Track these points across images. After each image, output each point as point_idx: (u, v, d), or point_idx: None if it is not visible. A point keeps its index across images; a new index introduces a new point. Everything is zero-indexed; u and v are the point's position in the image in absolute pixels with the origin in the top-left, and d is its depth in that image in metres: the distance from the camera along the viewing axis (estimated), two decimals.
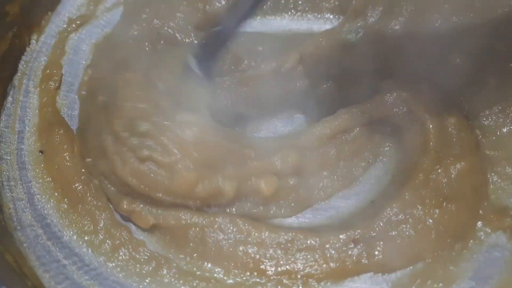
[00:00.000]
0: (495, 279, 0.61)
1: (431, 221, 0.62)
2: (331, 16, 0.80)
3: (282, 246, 0.63)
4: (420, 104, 0.68)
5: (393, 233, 0.62)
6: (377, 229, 0.63)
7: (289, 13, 0.81)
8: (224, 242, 0.63)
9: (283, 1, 0.81)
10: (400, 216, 0.63)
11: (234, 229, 0.64)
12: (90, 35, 0.79)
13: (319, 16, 0.81)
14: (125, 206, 0.64)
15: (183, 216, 0.64)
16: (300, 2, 0.81)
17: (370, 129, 0.71)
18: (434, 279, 0.61)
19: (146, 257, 0.63)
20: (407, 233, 0.62)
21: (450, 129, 0.67)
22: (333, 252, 0.62)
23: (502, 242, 0.63)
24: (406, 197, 0.64)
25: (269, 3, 0.81)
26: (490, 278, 0.61)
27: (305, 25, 0.80)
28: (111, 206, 0.67)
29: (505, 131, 0.69)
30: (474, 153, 0.67)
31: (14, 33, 0.74)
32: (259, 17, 0.81)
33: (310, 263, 0.62)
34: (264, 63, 0.74)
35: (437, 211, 0.63)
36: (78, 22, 0.79)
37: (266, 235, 0.64)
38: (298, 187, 0.68)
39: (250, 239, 0.63)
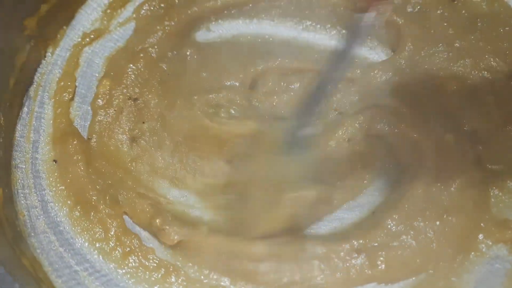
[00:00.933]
0: None
1: (432, 232, 0.64)
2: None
3: (289, 256, 0.64)
4: (410, 125, 0.70)
5: (395, 243, 0.64)
6: (378, 239, 0.64)
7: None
8: (234, 255, 0.65)
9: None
10: (400, 227, 0.64)
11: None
12: (104, 49, 0.81)
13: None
14: (158, 224, 0.65)
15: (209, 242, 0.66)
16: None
17: (375, 140, 0.73)
18: None
19: (155, 265, 0.65)
20: (408, 243, 0.64)
21: (447, 145, 0.68)
22: (338, 261, 0.63)
23: (503, 254, 0.64)
24: (406, 208, 0.65)
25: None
26: None
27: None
28: (125, 216, 0.69)
29: (506, 145, 0.71)
30: (474, 168, 0.68)
31: (31, 46, 0.76)
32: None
33: (316, 274, 0.63)
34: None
35: (437, 223, 0.64)
36: (92, 36, 0.82)
37: (272, 245, 0.65)
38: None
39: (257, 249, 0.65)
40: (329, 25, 0.83)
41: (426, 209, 0.65)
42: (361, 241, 0.64)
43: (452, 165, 0.67)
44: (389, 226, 0.65)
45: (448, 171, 0.67)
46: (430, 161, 0.68)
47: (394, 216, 0.65)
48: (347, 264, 0.63)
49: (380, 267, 0.63)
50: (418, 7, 0.80)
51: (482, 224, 0.66)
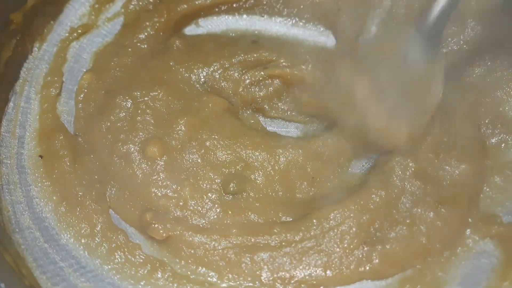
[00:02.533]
0: (482, 285, 0.62)
1: (424, 225, 0.64)
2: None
3: (279, 251, 0.64)
4: None
5: (392, 234, 0.63)
6: (377, 226, 0.64)
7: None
8: (221, 250, 0.64)
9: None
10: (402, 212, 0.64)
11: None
12: (91, 44, 0.81)
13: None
14: (148, 219, 0.65)
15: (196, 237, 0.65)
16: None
17: None
18: (423, 285, 0.62)
19: (141, 260, 0.64)
20: (402, 235, 0.63)
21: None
22: (333, 259, 0.63)
23: (490, 249, 0.64)
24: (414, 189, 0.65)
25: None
26: (478, 284, 0.62)
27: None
28: (111, 212, 0.68)
29: (493, 141, 0.71)
30: (478, 158, 0.68)
31: (17, 41, 0.75)
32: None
33: (308, 270, 0.63)
34: None
35: (431, 214, 0.64)
36: (80, 31, 0.81)
37: (262, 239, 0.64)
38: None
39: (245, 242, 0.64)
40: (317, 22, 0.83)
41: (428, 194, 0.65)
42: (363, 234, 0.63)
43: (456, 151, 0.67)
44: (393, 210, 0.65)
45: (452, 159, 0.67)
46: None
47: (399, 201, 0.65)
48: (343, 260, 0.63)
49: (374, 262, 0.63)
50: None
51: (470, 219, 0.66)
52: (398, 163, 0.67)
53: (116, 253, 0.64)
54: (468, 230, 0.65)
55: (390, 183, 0.66)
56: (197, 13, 0.84)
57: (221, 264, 0.64)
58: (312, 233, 0.64)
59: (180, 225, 0.65)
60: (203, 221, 0.67)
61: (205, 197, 0.68)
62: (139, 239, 0.67)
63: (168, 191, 0.68)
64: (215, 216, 0.67)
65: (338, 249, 0.63)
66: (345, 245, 0.63)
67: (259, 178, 0.69)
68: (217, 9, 0.84)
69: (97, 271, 0.64)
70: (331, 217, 0.64)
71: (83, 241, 0.65)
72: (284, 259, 0.64)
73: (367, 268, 0.62)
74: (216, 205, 0.67)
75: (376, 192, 0.65)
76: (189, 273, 0.64)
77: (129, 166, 0.69)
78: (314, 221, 0.64)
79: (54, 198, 0.68)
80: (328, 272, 0.63)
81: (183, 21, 0.84)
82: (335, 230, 0.64)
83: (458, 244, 0.65)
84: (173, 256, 0.65)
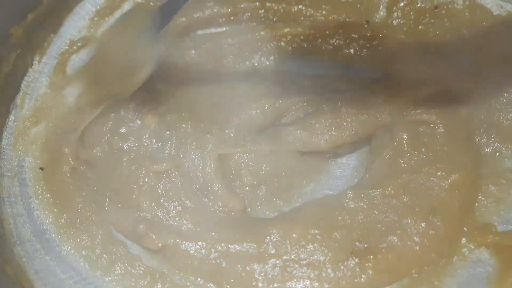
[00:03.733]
0: None
1: (417, 235, 0.64)
2: None
3: (278, 263, 0.64)
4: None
5: (383, 244, 0.64)
6: (370, 238, 0.64)
7: None
8: (219, 260, 0.65)
9: None
10: (389, 224, 0.65)
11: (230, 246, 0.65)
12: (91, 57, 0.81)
13: None
14: (141, 229, 0.66)
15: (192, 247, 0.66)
16: None
17: None
18: None
19: (141, 272, 0.65)
20: (394, 245, 0.64)
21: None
22: (330, 271, 0.63)
23: (485, 258, 0.65)
24: (398, 203, 0.66)
25: None
26: None
27: None
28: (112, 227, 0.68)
29: (488, 150, 0.71)
30: (471, 168, 0.69)
31: (18, 54, 0.76)
32: None
33: (305, 283, 0.63)
34: None
35: (423, 225, 0.65)
36: (79, 44, 0.82)
37: (262, 250, 0.65)
38: None
39: (245, 252, 0.65)
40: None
41: (416, 205, 0.66)
42: (356, 243, 0.64)
43: (449, 162, 0.68)
44: (380, 222, 0.65)
45: (443, 165, 0.67)
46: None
47: (385, 210, 0.65)
48: (339, 274, 0.63)
49: (368, 273, 0.63)
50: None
51: (465, 228, 0.67)
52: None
53: (116, 265, 0.65)
54: (464, 239, 0.66)
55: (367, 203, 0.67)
56: (195, 26, 0.85)
57: (218, 274, 0.64)
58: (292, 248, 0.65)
59: (173, 232, 0.66)
60: (194, 227, 0.67)
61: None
62: (139, 250, 0.67)
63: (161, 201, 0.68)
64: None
65: (326, 262, 0.64)
66: (332, 258, 0.64)
67: None
68: (215, 22, 0.85)
69: (98, 283, 0.64)
70: (310, 232, 0.65)
71: (83, 253, 0.66)
72: (276, 270, 0.64)
73: (363, 278, 0.63)
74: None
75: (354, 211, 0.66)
76: (188, 284, 0.65)
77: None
78: (295, 235, 0.65)
79: (55, 210, 0.69)
80: (325, 285, 0.63)
81: (182, 33, 0.84)
82: (315, 244, 0.64)
83: (454, 253, 0.65)
84: (172, 267, 0.66)
